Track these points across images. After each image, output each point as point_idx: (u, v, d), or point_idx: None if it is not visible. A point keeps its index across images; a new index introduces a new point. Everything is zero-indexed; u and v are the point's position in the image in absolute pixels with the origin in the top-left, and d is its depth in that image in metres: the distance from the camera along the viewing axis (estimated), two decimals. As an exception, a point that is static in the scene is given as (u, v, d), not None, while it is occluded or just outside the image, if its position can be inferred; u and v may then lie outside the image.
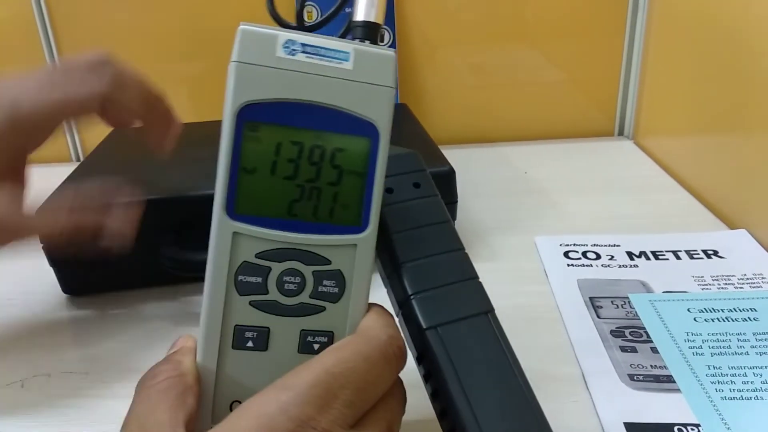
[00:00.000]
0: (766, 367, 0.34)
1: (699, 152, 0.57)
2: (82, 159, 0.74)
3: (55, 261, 0.43)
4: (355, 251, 0.24)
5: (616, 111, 0.71)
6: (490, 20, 0.68)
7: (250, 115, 0.23)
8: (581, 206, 0.54)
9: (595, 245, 0.48)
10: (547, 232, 0.50)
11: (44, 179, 0.41)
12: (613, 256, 0.46)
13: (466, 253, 0.27)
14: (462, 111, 0.71)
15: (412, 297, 0.26)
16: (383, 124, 0.24)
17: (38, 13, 0.67)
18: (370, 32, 0.26)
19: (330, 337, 0.24)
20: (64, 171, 0.49)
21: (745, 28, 0.48)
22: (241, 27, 0.23)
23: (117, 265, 0.41)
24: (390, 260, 0.27)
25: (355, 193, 0.24)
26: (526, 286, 0.43)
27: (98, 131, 0.48)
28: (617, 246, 0.47)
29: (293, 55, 0.23)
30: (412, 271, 0.26)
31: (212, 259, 0.23)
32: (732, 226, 0.50)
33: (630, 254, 0.46)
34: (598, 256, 0.46)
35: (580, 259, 0.46)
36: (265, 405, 0.21)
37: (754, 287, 0.41)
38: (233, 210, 0.23)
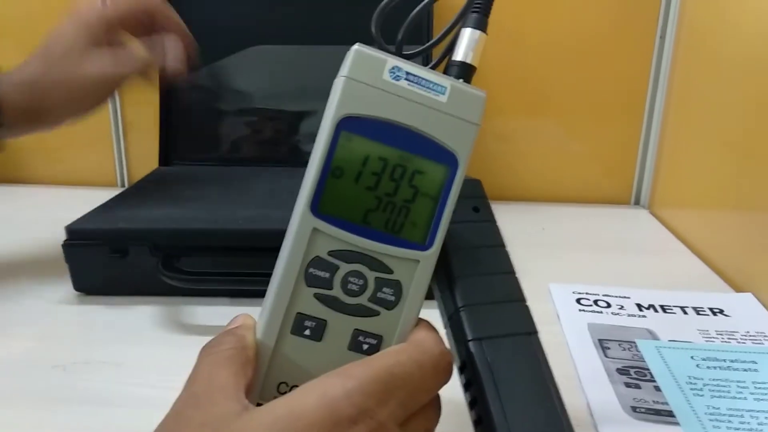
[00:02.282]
0: (763, 411, 0.36)
1: (711, 223, 0.59)
2: (126, 185, 0.79)
3: (71, 260, 0.48)
4: (416, 266, 0.26)
5: (633, 181, 0.75)
6: (518, 95, 0.73)
7: (348, 126, 0.25)
8: (595, 262, 0.57)
9: (606, 295, 0.50)
10: (560, 280, 0.52)
11: (90, 201, 0.50)
12: (623, 306, 0.48)
13: (516, 278, 0.29)
14: (486, 172, 0.75)
15: (461, 309, 0.28)
16: (464, 156, 0.26)
17: None
18: (465, 72, 0.28)
19: (379, 341, 0.26)
20: (108, 194, 0.55)
21: (757, 111, 0.52)
22: (356, 47, 0.26)
23: (123, 270, 0.48)
24: (445, 274, 0.29)
25: (426, 214, 0.26)
26: (538, 326, 0.45)
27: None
28: (627, 298, 0.50)
29: (397, 80, 0.26)
30: (465, 286, 0.28)
31: (288, 249, 0.26)
32: (738, 290, 0.52)
33: (639, 306, 0.48)
34: (609, 305, 0.48)
35: (591, 305, 0.48)
36: (330, 388, 0.22)
37: (756, 343, 0.43)
38: (317, 208, 0.26)
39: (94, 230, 0.49)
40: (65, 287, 0.49)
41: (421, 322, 0.27)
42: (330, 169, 0.26)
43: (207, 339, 0.26)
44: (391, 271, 0.26)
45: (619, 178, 0.75)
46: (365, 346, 0.26)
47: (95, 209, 0.52)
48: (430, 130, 0.26)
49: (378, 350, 0.26)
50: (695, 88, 0.64)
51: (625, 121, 0.73)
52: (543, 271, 0.54)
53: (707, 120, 0.61)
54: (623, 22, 0.70)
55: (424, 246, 0.26)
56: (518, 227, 0.66)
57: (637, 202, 0.75)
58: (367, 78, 0.25)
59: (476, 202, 0.31)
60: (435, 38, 0.30)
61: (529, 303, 0.47)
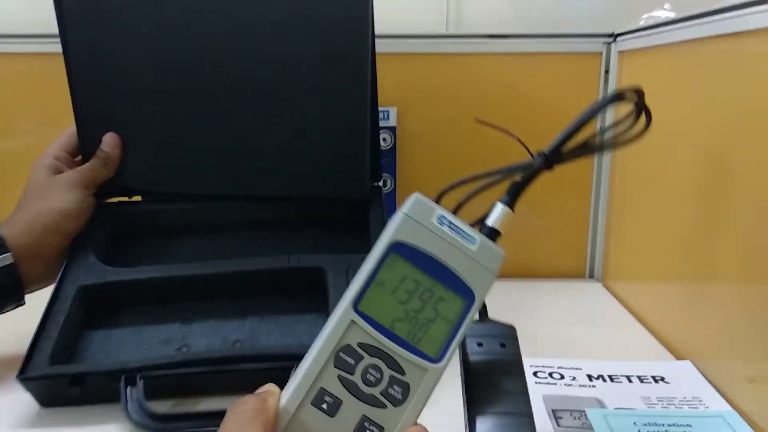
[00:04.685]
0: (694, 471, 0.40)
1: (655, 295, 0.65)
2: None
3: (30, 388, 0.48)
4: (425, 374, 0.31)
5: (586, 256, 0.81)
6: (484, 164, 0.79)
7: (397, 249, 0.32)
8: (551, 335, 0.62)
9: (560, 367, 0.55)
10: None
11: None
12: (575, 377, 0.53)
13: (533, 421, 0.34)
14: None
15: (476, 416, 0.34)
16: (480, 295, 0.33)
17: None
18: (492, 234, 0.35)
19: (381, 431, 0.31)
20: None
21: (693, 192, 0.59)
22: (417, 195, 0.33)
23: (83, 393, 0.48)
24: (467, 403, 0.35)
25: (442, 335, 0.32)
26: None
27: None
28: (579, 369, 0.54)
29: (441, 224, 0.33)
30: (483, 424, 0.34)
31: (327, 332, 0.31)
32: (679, 357, 0.57)
33: (590, 376, 0.53)
34: (562, 377, 0.53)
35: (546, 378, 0.53)
36: None
37: (692, 407, 0.48)
38: (357, 306, 0.31)
39: (48, 375, 0.48)
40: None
41: (417, 424, 0.31)
42: (375, 279, 0.32)
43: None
44: (404, 373, 0.31)
45: (574, 252, 0.82)
46: None
47: (38, 346, 0.49)
48: (459, 269, 0.33)
49: None
50: (635, 171, 0.71)
51: (577, 198, 0.80)
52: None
53: (647, 199, 0.68)
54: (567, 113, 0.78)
55: (435, 360, 0.32)
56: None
57: (591, 276, 0.81)
58: (419, 218, 0.33)
59: (504, 340, 0.38)
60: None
61: None
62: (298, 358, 0.45)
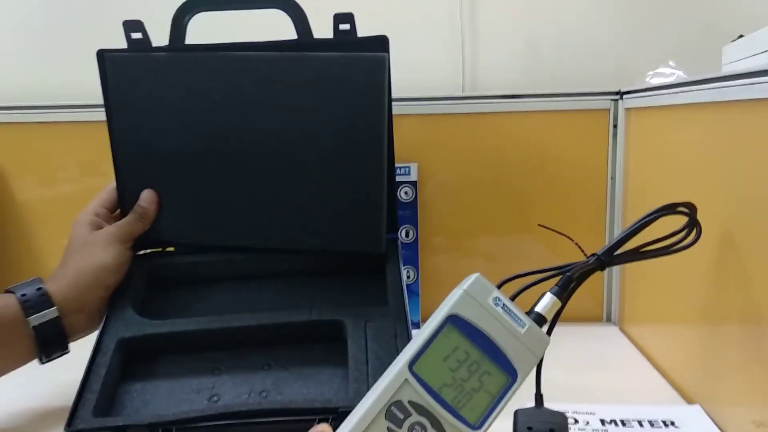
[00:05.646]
0: None
1: (668, 338, 0.68)
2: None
3: None
4: None
5: (603, 301, 0.84)
6: (502, 214, 0.83)
7: (454, 321, 0.37)
8: (567, 379, 0.65)
9: (575, 412, 0.58)
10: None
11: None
12: (588, 422, 0.56)
13: None
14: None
15: None
16: (522, 375, 0.37)
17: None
18: (540, 320, 0.40)
19: None
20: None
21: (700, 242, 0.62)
22: (477, 275, 0.38)
23: None
24: None
25: (483, 405, 0.36)
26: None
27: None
28: (593, 414, 0.58)
29: (496, 305, 0.37)
30: None
31: (383, 387, 0.36)
32: (689, 401, 0.60)
33: (602, 421, 0.56)
34: (576, 422, 0.57)
35: (561, 423, 0.56)
36: None
37: (699, 452, 0.51)
38: (412, 366, 0.36)
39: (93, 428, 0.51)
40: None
41: None
42: (430, 345, 0.36)
43: None
44: None
45: (591, 296, 0.85)
46: None
47: (82, 398, 0.53)
48: (506, 348, 0.37)
49: None
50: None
51: (593, 242, 0.82)
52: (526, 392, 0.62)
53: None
54: (579, 167, 0.82)
55: (474, 426, 0.36)
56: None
57: (608, 319, 0.84)
58: (477, 296, 0.37)
59: (554, 425, 0.44)
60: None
61: (503, 423, 0.55)
62: (321, 412, 0.50)
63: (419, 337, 0.37)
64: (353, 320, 0.59)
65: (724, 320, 0.56)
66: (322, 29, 0.62)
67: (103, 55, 0.64)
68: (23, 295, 0.56)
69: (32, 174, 0.88)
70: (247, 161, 0.64)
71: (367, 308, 0.60)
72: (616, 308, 0.83)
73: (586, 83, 0.83)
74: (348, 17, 0.61)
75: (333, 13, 0.61)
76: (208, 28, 0.64)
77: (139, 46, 0.64)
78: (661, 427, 0.55)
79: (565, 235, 0.47)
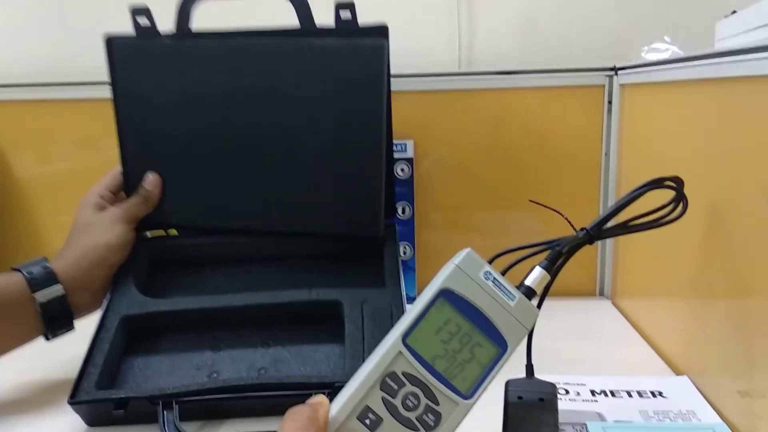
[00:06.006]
0: (681, 478, 0.45)
1: (658, 312, 0.70)
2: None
3: (79, 411, 0.54)
4: (456, 407, 0.37)
5: (596, 275, 0.86)
6: (498, 191, 0.84)
7: (445, 295, 0.38)
8: (560, 352, 0.66)
9: (566, 383, 0.60)
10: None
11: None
12: (579, 393, 0.58)
13: None
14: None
15: None
16: (512, 346, 0.38)
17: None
18: (529, 293, 0.41)
19: None
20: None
21: (690, 217, 0.63)
22: (468, 250, 0.39)
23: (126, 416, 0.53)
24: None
25: (474, 376, 0.37)
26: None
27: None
28: (583, 385, 0.59)
29: (486, 279, 0.38)
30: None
31: (377, 358, 0.37)
32: (677, 372, 0.62)
33: (593, 391, 0.58)
34: (568, 392, 0.58)
35: (552, 393, 0.58)
36: None
37: (685, 420, 0.53)
38: (405, 339, 0.37)
39: (95, 399, 0.53)
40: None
41: None
42: (423, 318, 0.38)
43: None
44: (438, 403, 0.37)
45: (585, 271, 0.86)
46: None
47: (86, 372, 0.55)
48: (497, 320, 0.38)
49: None
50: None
51: (586, 218, 0.84)
52: (516, 362, 0.64)
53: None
54: (574, 142, 0.83)
55: (466, 396, 0.37)
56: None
57: (601, 294, 0.86)
58: (468, 270, 0.38)
59: (543, 395, 0.45)
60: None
61: (500, 392, 0.56)
62: (317, 387, 0.51)
63: (412, 310, 0.38)
64: (351, 301, 0.60)
65: (711, 294, 0.57)
66: (324, 16, 0.63)
67: (111, 42, 0.66)
68: (29, 272, 0.57)
69: (29, 150, 0.88)
70: (249, 146, 0.66)
71: (365, 289, 0.62)
72: (608, 283, 0.85)
73: (581, 58, 0.83)
74: (349, 5, 0.63)
75: (334, 1, 0.62)
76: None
77: (146, 32, 0.65)
78: (649, 397, 0.57)
79: (556, 210, 0.48)
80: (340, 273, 0.66)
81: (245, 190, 0.67)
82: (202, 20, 0.66)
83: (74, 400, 0.53)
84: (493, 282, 0.38)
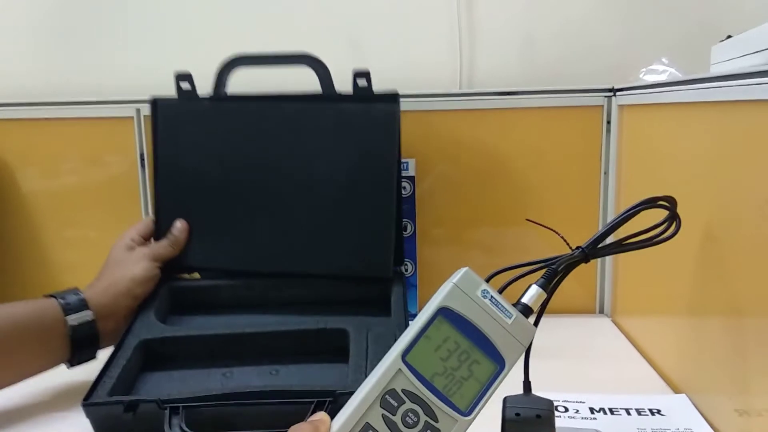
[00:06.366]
0: (678, 496, 0.45)
1: (657, 330, 0.70)
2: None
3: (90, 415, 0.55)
4: (455, 424, 0.38)
5: (596, 293, 0.86)
6: (502, 207, 0.85)
7: (444, 313, 0.39)
8: (559, 369, 0.67)
9: (565, 401, 0.60)
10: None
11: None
12: (578, 410, 0.58)
13: None
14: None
15: None
16: (510, 363, 0.39)
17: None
18: (526, 311, 0.42)
19: None
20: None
21: (688, 236, 0.64)
22: (466, 269, 0.40)
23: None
24: None
25: (473, 393, 0.38)
26: None
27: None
28: (583, 402, 0.60)
29: (484, 297, 0.39)
30: None
31: (377, 377, 0.38)
32: (676, 390, 0.62)
33: (591, 409, 0.59)
34: (567, 410, 0.59)
35: (552, 411, 0.58)
36: None
37: (683, 438, 0.53)
38: (405, 356, 0.38)
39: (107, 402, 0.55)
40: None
41: None
42: (422, 336, 0.38)
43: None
44: (437, 420, 0.38)
45: (584, 288, 0.87)
46: None
47: (101, 382, 0.57)
48: (494, 338, 0.39)
49: None
50: (640, 213, 0.77)
51: (586, 235, 0.85)
52: (515, 380, 0.64)
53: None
54: (573, 162, 0.84)
55: (465, 413, 0.38)
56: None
57: (601, 311, 0.86)
58: (466, 289, 0.39)
59: (540, 412, 0.45)
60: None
61: (492, 409, 0.56)
62: (319, 395, 0.52)
63: (411, 328, 0.39)
64: (356, 329, 0.63)
65: (707, 312, 0.58)
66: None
67: (156, 103, 0.74)
68: (63, 298, 0.61)
69: (36, 167, 0.89)
70: (271, 197, 0.73)
71: (371, 318, 0.64)
72: (608, 301, 0.85)
73: (581, 79, 0.85)
74: (365, 74, 0.71)
75: (352, 70, 0.71)
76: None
77: (187, 95, 0.74)
78: (647, 415, 0.57)
79: (552, 229, 0.49)
80: (349, 314, 0.68)
81: (265, 237, 0.73)
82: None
83: (87, 402, 0.55)
84: (490, 300, 0.39)
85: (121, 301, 0.65)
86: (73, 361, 0.62)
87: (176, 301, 0.72)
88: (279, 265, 0.72)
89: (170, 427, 0.52)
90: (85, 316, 0.61)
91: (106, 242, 0.88)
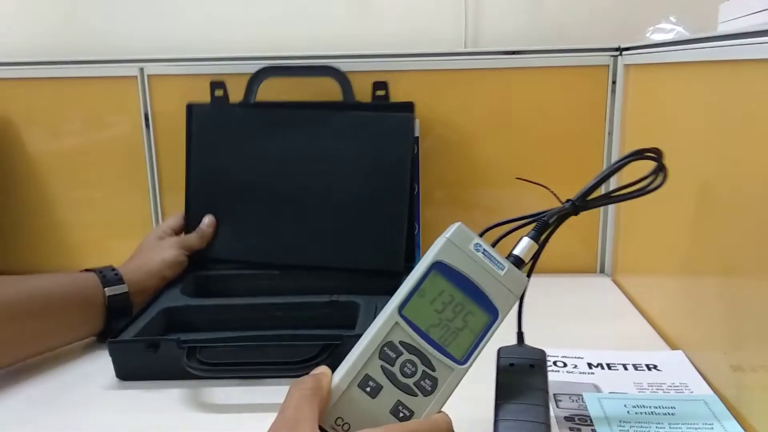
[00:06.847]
0: (671, 446, 0.47)
1: (656, 289, 0.72)
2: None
3: (113, 353, 0.59)
4: (451, 372, 0.39)
5: (597, 252, 0.87)
6: (505, 169, 0.85)
7: (438, 267, 0.40)
8: (559, 327, 0.69)
9: (564, 356, 0.62)
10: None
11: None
12: (576, 365, 0.60)
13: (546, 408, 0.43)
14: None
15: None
16: (503, 313, 0.40)
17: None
18: (518, 262, 0.43)
19: (411, 414, 0.39)
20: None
21: (689, 197, 0.65)
22: (459, 224, 0.40)
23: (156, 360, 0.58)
24: (496, 395, 0.44)
25: (468, 342, 0.40)
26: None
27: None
28: (581, 358, 0.61)
29: (477, 251, 0.40)
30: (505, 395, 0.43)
31: (375, 331, 0.39)
32: (673, 347, 0.64)
33: (590, 364, 0.60)
34: (565, 365, 0.60)
35: (551, 366, 0.60)
36: None
37: (678, 392, 0.55)
38: (401, 310, 0.39)
39: (133, 339, 0.60)
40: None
41: (441, 412, 0.39)
42: (418, 290, 0.40)
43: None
44: (434, 369, 0.39)
45: (586, 248, 0.88)
46: (401, 414, 0.39)
47: (126, 330, 0.62)
48: (488, 289, 0.40)
49: (408, 420, 0.39)
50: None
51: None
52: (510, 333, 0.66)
53: (653, 198, 0.73)
54: (578, 122, 0.84)
55: (461, 362, 0.39)
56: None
57: (602, 271, 0.88)
58: (459, 243, 0.40)
59: (533, 362, 0.46)
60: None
61: (487, 360, 0.56)
62: (326, 339, 0.55)
63: (407, 283, 0.40)
64: (366, 302, 0.66)
65: (704, 271, 0.59)
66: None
67: (191, 108, 0.81)
68: (101, 272, 0.67)
69: (41, 127, 0.89)
70: (293, 194, 0.80)
71: (382, 297, 0.65)
72: (609, 260, 0.86)
73: (587, 39, 0.84)
74: (383, 85, 0.79)
75: (372, 81, 0.79)
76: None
77: (219, 101, 0.82)
78: (644, 370, 0.59)
79: (541, 185, 0.50)
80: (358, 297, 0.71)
81: (286, 232, 0.79)
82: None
83: (114, 340, 0.59)
84: (483, 253, 0.40)
85: (152, 280, 0.72)
86: (106, 332, 0.66)
87: (200, 287, 0.77)
88: (298, 258, 0.78)
89: (188, 363, 0.55)
90: (121, 288, 0.67)
91: (111, 203, 0.90)
